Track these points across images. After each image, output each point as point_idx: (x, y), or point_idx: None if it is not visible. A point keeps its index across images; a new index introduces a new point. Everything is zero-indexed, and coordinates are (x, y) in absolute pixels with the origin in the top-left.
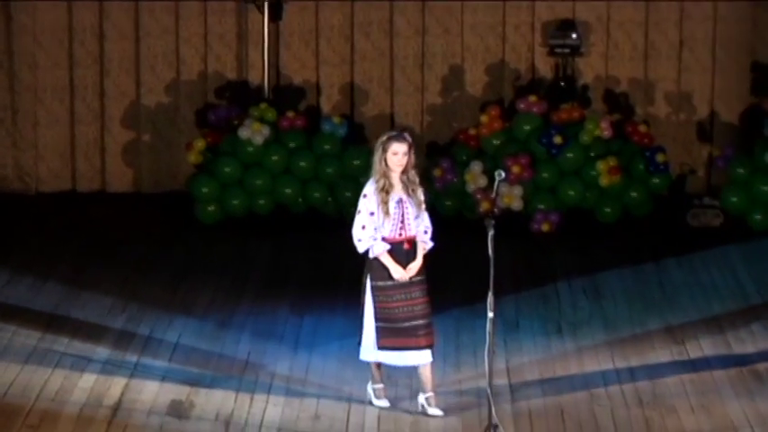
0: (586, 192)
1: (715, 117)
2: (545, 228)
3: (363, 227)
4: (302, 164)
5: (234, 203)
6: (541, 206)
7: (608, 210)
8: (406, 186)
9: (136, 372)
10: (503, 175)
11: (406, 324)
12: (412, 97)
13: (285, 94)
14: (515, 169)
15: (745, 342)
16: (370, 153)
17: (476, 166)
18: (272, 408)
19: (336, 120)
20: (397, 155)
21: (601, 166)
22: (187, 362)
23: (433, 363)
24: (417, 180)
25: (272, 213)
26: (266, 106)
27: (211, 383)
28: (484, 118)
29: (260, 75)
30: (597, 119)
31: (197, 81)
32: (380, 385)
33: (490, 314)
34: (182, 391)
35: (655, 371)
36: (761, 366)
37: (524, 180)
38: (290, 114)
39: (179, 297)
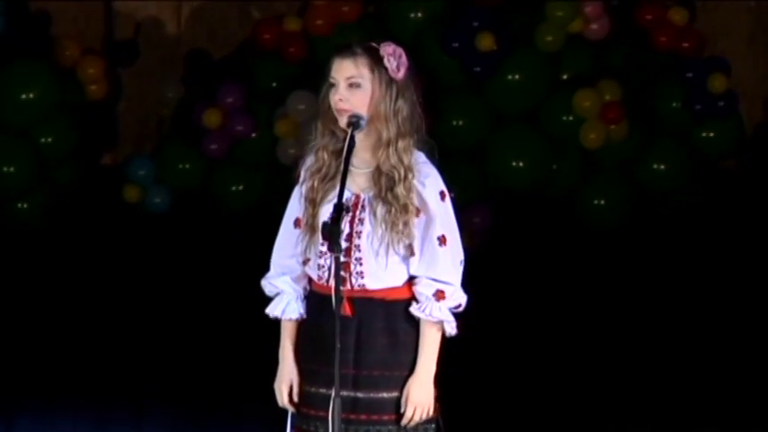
0: (552, 159)
1: None
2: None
3: (278, 246)
4: None
5: None
6: (451, 193)
7: (599, 202)
8: (380, 172)
9: None
10: (362, 124)
11: None
12: None
13: None
14: None
15: None
16: (59, 71)
17: (298, 103)
18: None
19: None
20: (336, 85)
21: (584, 101)
22: None
23: None
24: (410, 156)
25: None
26: None
27: None
28: None
29: None
30: None
31: None
32: None
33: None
34: None
35: None
36: None
37: None
38: None
39: None
